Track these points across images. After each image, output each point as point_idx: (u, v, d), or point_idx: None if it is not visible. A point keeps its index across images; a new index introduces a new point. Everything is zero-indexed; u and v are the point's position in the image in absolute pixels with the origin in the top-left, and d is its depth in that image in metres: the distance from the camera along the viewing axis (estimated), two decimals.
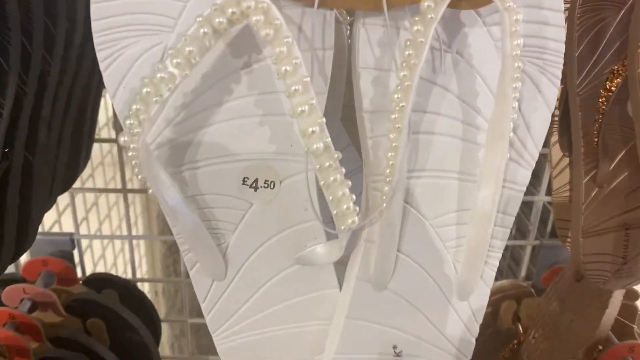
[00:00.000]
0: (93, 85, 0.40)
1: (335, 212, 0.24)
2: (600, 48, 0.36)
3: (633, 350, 0.47)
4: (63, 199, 0.62)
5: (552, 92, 0.26)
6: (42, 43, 0.29)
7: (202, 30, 0.21)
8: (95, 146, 0.66)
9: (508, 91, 0.24)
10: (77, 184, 0.58)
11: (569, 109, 0.38)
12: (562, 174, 0.44)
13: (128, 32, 0.23)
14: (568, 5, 0.35)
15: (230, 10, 0.21)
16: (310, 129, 0.22)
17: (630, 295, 0.53)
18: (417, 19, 0.22)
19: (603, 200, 0.39)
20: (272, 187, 0.26)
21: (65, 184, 0.44)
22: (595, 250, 0.40)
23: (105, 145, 0.73)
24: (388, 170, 0.25)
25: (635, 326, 0.53)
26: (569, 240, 0.44)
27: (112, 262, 0.76)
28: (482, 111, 0.26)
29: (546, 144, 0.43)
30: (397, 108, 0.23)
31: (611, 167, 0.38)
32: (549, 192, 0.55)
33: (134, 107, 0.22)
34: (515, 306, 0.58)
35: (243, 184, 0.26)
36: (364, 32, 0.24)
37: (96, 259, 0.72)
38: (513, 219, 0.27)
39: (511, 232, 0.79)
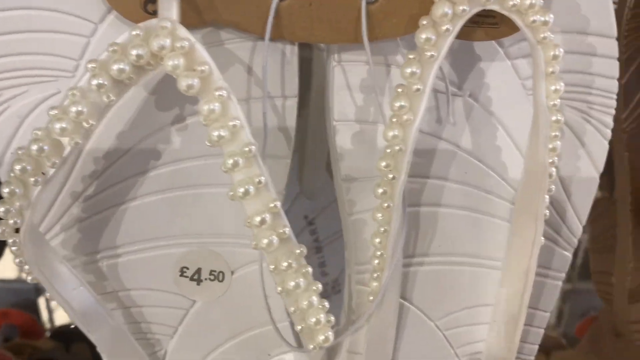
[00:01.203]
0: None
1: (299, 327, 0.17)
2: None
3: None
4: None
5: (600, 146, 0.19)
6: None
7: (95, 82, 0.14)
8: None
9: (542, 154, 0.17)
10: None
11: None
12: (601, 218, 0.37)
13: (14, 80, 0.17)
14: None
15: (134, 53, 0.14)
16: (258, 218, 0.15)
17: None
18: (412, 57, 0.16)
19: None
20: (220, 279, 0.19)
21: None
22: None
23: None
24: (376, 262, 0.18)
25: None
26: (609, 297, 0.37)
27: None
28: (506, 174, 0.19)
29: None
30: (385, 180, 0.17)
31: None
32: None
33: (6, 189, 0.15)
34: (544, 359, 0.51)
35: (181, 275, 0.19)
36: (340, 73, 0.18)
37: None
38: (548, 315, 0.20)
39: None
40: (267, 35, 0.16)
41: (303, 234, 0.28)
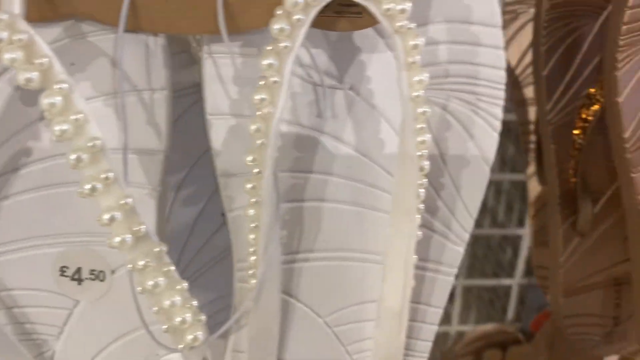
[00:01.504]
0: None
1: (165, 327, 0.16)
2: (575, 66, 0.28)
3: None
4: None
5: (490, 138, 0.19)
6: None
7: None
8: None
9: (410, 148, 0.16)
10: None
11: None
12: (541, 212, 0.36)
13: None
14: (530, 12, 0.28)
15: None
16: (107, 215, 0.15)
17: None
18: (269, 48, 0.15)
19: (587, 252, 0.32)
20: (101, 279, 0.19)
21: None
22: (580, 310, 0.33)
23: None
24: (252, 258, 0.17)
25: None
26: (548, 291, 0.37)
27: None
28: (391, 168, 0.19)
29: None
30: (253, 175, 0.16)
31: (595, 211, 0.30)
32: None
33: None
34: (500, 355, 0.51)
35: (62, 275, 0.19)
36: (211, 65, 0.17)
37: None
38: (441, 311, 0.20)
39: (475, 270, 0.72)
40: (121, 26, 0.15)
41: (221, 231, 0.28)
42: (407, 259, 0.18)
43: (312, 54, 0.17)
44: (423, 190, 0.17)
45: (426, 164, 0.17)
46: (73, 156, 0.14)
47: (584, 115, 0.27)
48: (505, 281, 0.52)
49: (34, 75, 0.14)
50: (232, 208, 0.18)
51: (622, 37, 0.22)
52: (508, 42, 0.34)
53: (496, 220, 0.64)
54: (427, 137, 0.16)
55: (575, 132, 0.28)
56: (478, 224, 0.73)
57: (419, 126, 0.16)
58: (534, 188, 0.36)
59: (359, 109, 0.18)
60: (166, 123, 0.17)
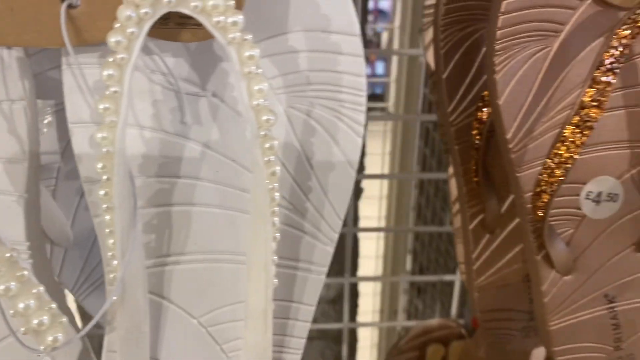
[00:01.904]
0: None
1: (23, 329, 0.17)
2: (474, 68, 0.29)
3: None
4: None
5: (353, 143, 0.20)
6: None
7: None
8: None
9: (257, 154, 0.17)
10: None
11: None
12: (459, 214, 0.37)
13: None
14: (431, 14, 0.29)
15: None
16: None
17: None
18: (110, 60, 0.16)
19: (498, 248, 0.32)
20: None
21: None
22: (495, 305, 0.34)
23: None
24: (114, 262, 0.18)
25: None
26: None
27: None
28: (252, 178, 0.19)
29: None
30: (103, 182, 0.17)
31: (503, 210, 0.31)
32: None
33: None
34: (443, 350, 0.52)
35: None
36: (70, 75, 0.18)
37: None
38: (313, 309, 0.21)
39: (439, 266, 0.73)
40: None
41: None
42: (266, 260, 0.18)
43: (170, 63, 0.18)
44: (278, 194, 0.18)
45: (277, 169, 0.18)
46: None
47: (480, 116, 0.28)
48: (448, 277, 0.53)
49: None
50: (97, 214, 0.19)
51: (497, 42, 0.23)
52: (427, 46, 0.34)
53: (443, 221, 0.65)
54: (274, 143, 0.17)
55: (474, 132, 0.29)
56: (436, 222, 0.74)
57: (262, 133, 0.17)
58: (454, 187, 0.37)
59: (224, 115, 0.19)
60: (27, 132, 0.18)
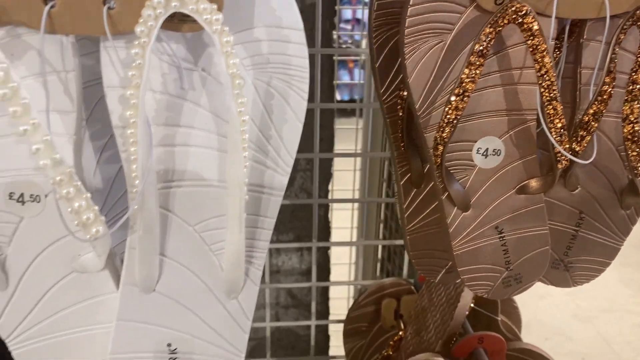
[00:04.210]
0: None
1: (76, 222, 0.26)
2: (399, 59, 0.38)
3: (483, 341, 0.49)
4: None
5: (300, 104, 0.29)
6: None
7: None
8: None
9: (233, 106, 0.26)
10: None
11: None
12: None
13: None
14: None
15: None
16: (35, 147, 0.24)
17: None
18: (136, 43, 0.25)
19: (423, 200, 0.41)
20: (37, 200, 0.28)
21: None
22: (423, 246, 0.43)
23: None
24: (137, 182, 0.27)
25: (500, 317, 0.55)
26: None
27: None
28: (229, 123, 0.28)
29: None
30: (130, 123, 0.25)
31: (426, 169, 0.40)
32: None
33: None
34: (395, 304, 0.60)
35: (10, 198, 0.28)
36: (105, 54, 0.26)
37: None
38: (273, 220, 0.30)
39: (391, 230, 0.83)
40: (42, 30, 0.24)
41: None
42: (240, 182, 0.27)
43: (173, 47, 0.27)
44: (247, 135, 0.27)
45: (246, 117, 0.26)
46: (11, 109, 0.23)
47: (402, 95, 0.37)
48: (397, 242, 0.62)
49: None
50: (125, 149, 0.27)
51: (406, 37, 0.32)
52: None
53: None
54: (244, 100, 0.26)
55: (398, 107, 0.38)
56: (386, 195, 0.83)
57: (236, 92, 0.26)
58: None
59: (210, 84, 0.28)
60: (76, 92, 0.26)
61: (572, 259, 0.40)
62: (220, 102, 0.28)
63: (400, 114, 0.38)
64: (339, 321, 0.64)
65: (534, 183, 0.36)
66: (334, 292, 0.81)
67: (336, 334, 1.02)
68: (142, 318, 0.29)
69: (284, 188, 0.29)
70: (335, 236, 0.80)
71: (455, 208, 0.36)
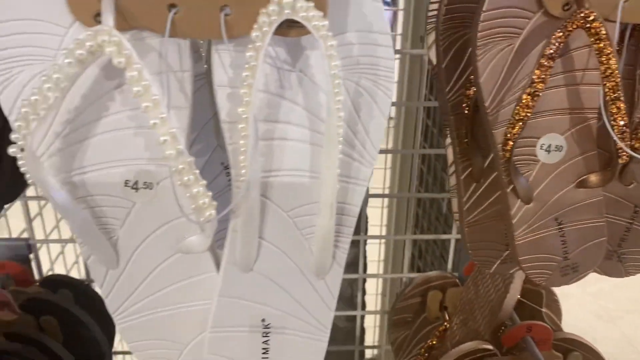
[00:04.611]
0: None
1: (192, 206, 0.28)
2: (464, 60, 0.40)
3: (531, 330, 0.51)
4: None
5: (386, 102, 0.31)
6: None
7: (66, 61, 0.26)
8: None
9: (332, 104, 0.29)
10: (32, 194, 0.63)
11: None
12: (455, 173, 0.49)
13: (18, 62, 0.28)
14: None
15: (88, 44, 0.26)
16: (162, 138, 0.27)
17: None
18: (250, 46, 0.27)
19: (482, 194, 0.44)
20: (150, 187, 0.31)
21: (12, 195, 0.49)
22: (479, 238, 0.45)
23: None
24: (243, 171, 0.30)
25: (543, 309, 0.58)
26: None
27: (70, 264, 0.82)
28: (326, 120, 0.31)
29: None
30: (243, 119, 0.28)
31: (486, 164, 0.43)
32: None
33: (17, 124, 0.27)
34: (441, 295, 0.63)
35: (125, 185, 0.31)
36: (217, 56, 0.29)
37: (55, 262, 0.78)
38: (358, 208, 0.32)
39: (440, 226, 0.85)
40: (166, 34, 0.27)
41: (220, 176, 0.40)
42: (334, 174, 0.30)
43: (277, 51, 0.30)
44: (342, 130, 0.29)
45: (342, 114, 0.29)
46: (144, 104, 0.26)
47: (468, 94, 0.40)
48: (444, 236, 0.65)
49: (122, 60, 0.26)
50: (231, 142, 0.30)
51: (478, 40, 0.34)
52: (430, 46, 0.46)
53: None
54: (341, 98, 0.29)
55: (464, 105, 0.40)
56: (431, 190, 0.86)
57: (336, 90, 0.28)
58: (450, 153, 0.48)
59: (306, 84, 0.31)
60: (190, 90, 0.29)
61: (625, 251, 0.42)
62: (314, 101, 0.31)
63: (466, 111, 0.40)
64: (385, 312, 0.66)
65: (593, 178, 0.38)
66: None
67: (368, 329, 1.05)
68: (241, 295, 0.32)
69: (369, 178, 0.32)
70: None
71: (519, 201, 0.38)
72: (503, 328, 0.54)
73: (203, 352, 0.34)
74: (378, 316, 1.01)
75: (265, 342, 0.33)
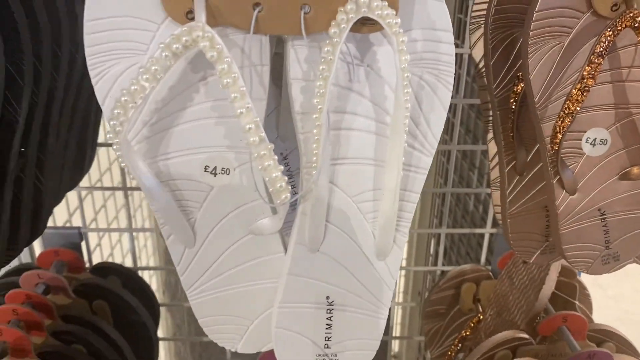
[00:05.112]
0: (95, 99, 0.47)
1: (271, 189, 0.31)
2: (511, 58, 0.43)
3: (566, 320, 0.53)
4: (73, 199, 0.70)
5: (446, 95, 0.34)
6: (50, 64, 0.36)
7: (163, 54, 0.28)
8: (104, 151, 0.75)
9: (400, 96, 0.31)
10: (86, 184, 0.66)
11: None
12: (497, 166, 0.51)
13: (112, 56, 0.31)
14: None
15: (184, 39, 0.28)
16: (248, 126, 0.29)
17: (569, 274, 0.59)
18: (327, 42, 0.30)
19: (525, 186, 0.46)
20: (227, 173, 0.33)
21: (72, 182, 0.52)
22: (521, 229, 0.47)
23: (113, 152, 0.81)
24: (314, 159, 0.32)
25: (576, 302, 0.59)
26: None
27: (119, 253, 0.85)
28: (390, 111, 0.33)
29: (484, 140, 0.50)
30: (318, 109, 0.31)
31: (529, 158, 0.45)
32: None
33: (116, 111, 0.29)
34: (475, 288, 0.65)
35: (205, 171, 0.33)
36: (292, 52, 0.32)
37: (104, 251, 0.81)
38: (418, 195, 0.35)
39: (473, 221, 0.87)
40: (251, 31, 0.30)
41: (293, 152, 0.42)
42: (399, 159, 0.32)
43: (348, 46, 0.32)
44: (407, 121, 0.32)
45: (409, 105, 0.31)
46: (233, 95, 0.29)
47: (515, 90, 0.42)
48: (478, 231, 0.67)
49: (215, 54, 0.29)
50: (303, 132, 0.33)
51: (530, 39, 0.36)
52: (473, 45, 0.48)
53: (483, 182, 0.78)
54: (409, 90, 0.31)
55: (511, 101, 0.42)
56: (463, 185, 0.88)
57: (405, 83, 0.31)
58: (492, 148, 0.50)
59: (373, 78, 0.33)
60: (267, 83, 0.32)
61: None
62: (380, 93, 0.33)
63: (513, 107, 0.42)
64: (418, 303, 0.68)
65: (636, 170, 0.40)
66: None
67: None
68: (308, 273, 0.35)
69: (428, 167, 0.34)
70: None
71: (564, 192, 0.40)
72: (538, 319, 0.56)
73: (268, 327, 0.36)
74: (400, 312, 1.03)
75: (329, 318, 0.35)
